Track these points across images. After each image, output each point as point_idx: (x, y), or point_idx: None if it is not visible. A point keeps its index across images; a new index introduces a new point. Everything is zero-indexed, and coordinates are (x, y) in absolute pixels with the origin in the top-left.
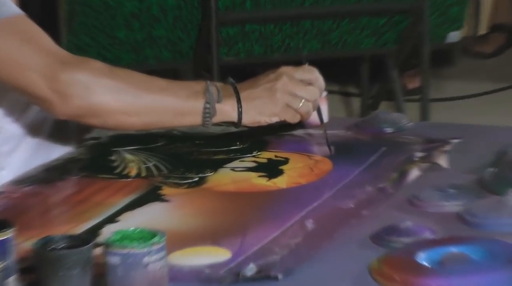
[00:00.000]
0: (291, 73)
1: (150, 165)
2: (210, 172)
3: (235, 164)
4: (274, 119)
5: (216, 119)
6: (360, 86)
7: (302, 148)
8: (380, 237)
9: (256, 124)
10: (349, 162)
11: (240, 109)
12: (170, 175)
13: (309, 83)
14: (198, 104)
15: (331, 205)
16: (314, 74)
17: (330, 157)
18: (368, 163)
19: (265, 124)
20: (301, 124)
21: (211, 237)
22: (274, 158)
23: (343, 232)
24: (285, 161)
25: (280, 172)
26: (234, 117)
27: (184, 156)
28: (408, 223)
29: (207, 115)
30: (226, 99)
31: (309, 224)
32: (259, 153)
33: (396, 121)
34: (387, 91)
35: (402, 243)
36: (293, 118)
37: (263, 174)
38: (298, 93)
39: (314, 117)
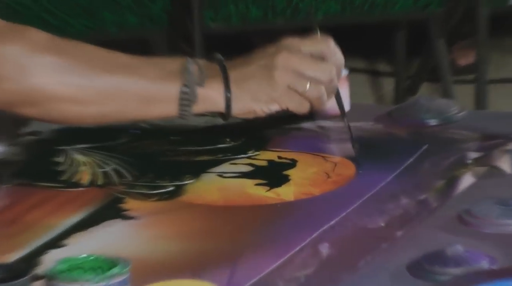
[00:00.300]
0: (297, 44)
1: (108, 169)
2: (190, 179)
3: (224, 168)
4: (274, 108)
5: (197, 108)
6: (394, 62)
7: (315, 146)
8: (420, 267)
9: (250, 115)
10: (378, 165)
11: (228, 95)
12: (135, 183)
13: (322, 58)
14: (173, 89)
15: (354, 223)
16: (328, 47)
17: (353, 159)
18: (404, 167)
19: (262, 115)
20: (312, 115)
21: (190, 267)
22: (277, 160)
23: (370, 261)
24: (292, 164)
25: (286, 179)
26: (220, 105)
27: (154, 157)
28: (458, 248)
29: (185, 103)
30: (211, 81)
31: (324, 250)
32: (256, 153)
33: (443, 109)
34: (431, 70)
35: (450, 275)
36: (300, 107)
37: (262, 181)
38: (305, 72)
39: (331, 105)
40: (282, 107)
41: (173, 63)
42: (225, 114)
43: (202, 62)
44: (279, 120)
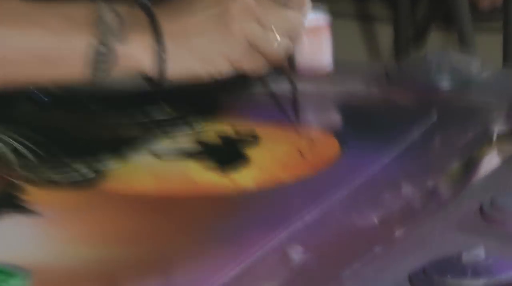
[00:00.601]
0: None
1: (3, 147)
2: (115, 162)
3: (161, 146)
4: (226, 71)
5: (116, 70)
6: (394, 4)
7: (285, 115)
8: (426, 279)
9: (191, 81)
10: (371, 143)
11: (162, 54)
12: (39, 165)
13: (285, 4)
14: (80, 44)
15: (338, 220)
16: None
17: (338, 134)
18: (406, 145)
19: (208, 80)
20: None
21: (113, 278)
22: (233, 135)
23: (358, 270)
24: (254, 140)
25: (245, 161)
26: (148, 67)
27: (67, 132)
28: (477, 253)
29: (98, 63)
30: (135, 35)
31: (297, 255)
32: (204, 126)
33: (459, 68)
34: (443, 14)
35: None
36: (260, 68)
37: (213, 164)
38: (270, 23)
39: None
40: (239, 69)
41: (81, 11)
42: (157, 81)
43: (122, 9)
44: (237, 81)
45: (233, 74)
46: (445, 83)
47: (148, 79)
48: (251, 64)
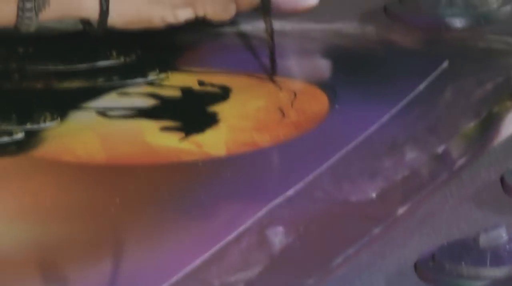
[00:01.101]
0: None
1: None
2: (52, 120)
3: (108, 102)
4: (183, 15)
5: (48, 14)
6: None
7: (260, 62)
8: (436, 266)
9: (140, 26)
10: (367, 96)
11: None
12: None
13: None
14: None
15: (327, 194)
16: None
17: (326, 85)
18: (410, 98)
19: (161, 25)
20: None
21: (51, 262)
22: (198, 87)
23: (353, 256)
24: (223, 94)
25: (212, 119)
26: (88, 9)
27: None
28: (499, 234)
29: (27, 5)
30: None
31: (277, 237)
32: (162, 76)
33: (475, 0)
34: None
35: (486, 279)
36: (225, 10)
37: (172, 123)
38: None
39: None
40: (199, 12)
41: None
42: (97, 23)
43: None
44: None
45: (192, 18)
46: (457, 20)
47: (87, 23)
48: (214, 7)
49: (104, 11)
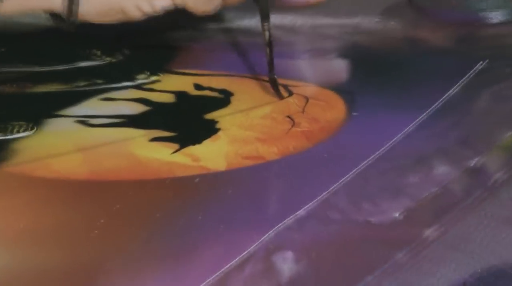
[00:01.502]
0: None
1: None
2: (25, 130)
3: (91, 108)
4: (160, 5)
5: (9, 6)
6: None
7: (264, 63)
8: None
9: (114, 18)
10: (390, 102)
11: None
12: None
13: None
14: None
15: (345, 215)
16: None
17: (343, 90)
18: (440, 105)
19: (137, 17)
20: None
21: None
22: (194, 91)
23: (372, 284)
24: (223, 99)
25: (211, 129)
26: (53, 1)
27: None
28: None
29: None
30: None
31: (286, 264)
32: (153, 79)
33: None
34: None
35: None
36: (209, 2)
37: (165, 134)
38: None
39: None
40: (177, 1)
41: None
42: (66, 15)
43: None
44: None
45: (170, 8)
46: (494, 14)
47: (56, 16)
48: None
49: (71, 3)
